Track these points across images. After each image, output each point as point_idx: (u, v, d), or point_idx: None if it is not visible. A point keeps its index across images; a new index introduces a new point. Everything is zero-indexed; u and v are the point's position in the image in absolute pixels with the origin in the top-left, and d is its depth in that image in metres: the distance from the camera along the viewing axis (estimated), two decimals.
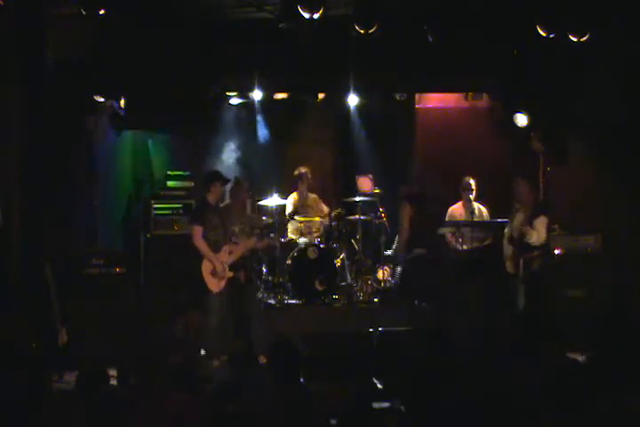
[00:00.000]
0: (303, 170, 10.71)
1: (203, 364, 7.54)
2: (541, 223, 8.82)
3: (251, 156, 11.19)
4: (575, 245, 9.54)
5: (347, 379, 6.36)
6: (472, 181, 10.11)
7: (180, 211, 9.97)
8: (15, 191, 8.60)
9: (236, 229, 9.19)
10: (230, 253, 8.80)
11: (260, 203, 10.35)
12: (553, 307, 8.99)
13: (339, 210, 10.59)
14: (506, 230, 9.06)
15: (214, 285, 8.66)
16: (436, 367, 5.54)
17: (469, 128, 11.09)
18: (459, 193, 10.19)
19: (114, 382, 5.90)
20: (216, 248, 8.72)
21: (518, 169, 9.71)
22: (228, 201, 9.45)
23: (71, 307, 8.69)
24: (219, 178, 8.91)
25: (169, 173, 10.23)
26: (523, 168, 9.97)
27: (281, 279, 10.24)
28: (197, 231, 8.67)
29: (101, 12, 8.20)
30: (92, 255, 9.25)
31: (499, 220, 9.99)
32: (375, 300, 10.30)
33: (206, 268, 8.64)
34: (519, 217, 8.90)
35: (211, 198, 8.83)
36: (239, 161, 11.10)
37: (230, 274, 8.76)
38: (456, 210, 10.24)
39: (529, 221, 8.79)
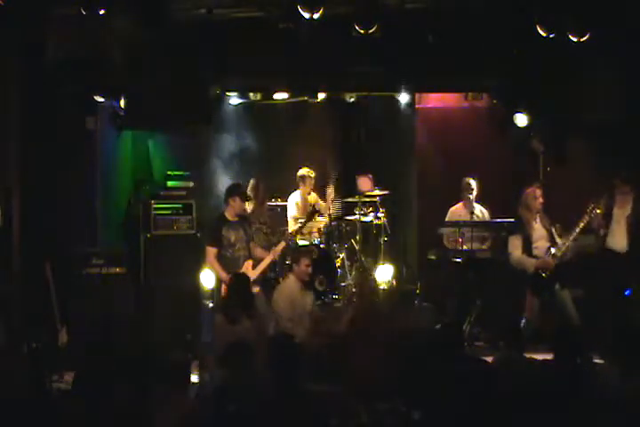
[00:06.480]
0: (308, 173, 10.61)
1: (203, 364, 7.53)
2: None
3: (250, 156, 11.18)
4: (575, 245, 9.53)
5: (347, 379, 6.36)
6: (473, 182, 10.10)
7: (180, 211, 9.96)
8: (15, 191, 8.60)
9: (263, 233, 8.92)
10: (254, 267, 8.47)
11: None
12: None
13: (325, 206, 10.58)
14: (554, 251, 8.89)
15: None
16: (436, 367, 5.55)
17: (469, 128, 11.09)
18: (460, 193, 10.18)
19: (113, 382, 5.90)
20: (235, 266, 8.37)
21: (527, 176, 9.75)
22: (251, 204, 9.27)
23: (71, 307, 8.69)
24: (238, 192, 8.63)
25: (169, 173, 10.21)
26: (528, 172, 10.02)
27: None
28: (210, 253, 8.40)
29: (101, 12, 8.21)
30: (91, 255, 9.25)
31: (499, 220, 10.02)
32: (375, 300, 10.29)
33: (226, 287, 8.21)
34: (539, 229, 8.94)
35: (229, 214, 8.56)
36: (239, 161, 11.10)
37: (256, 290, 8.33)
38: (457, 211, 10.23)
39: (549, 229, 8.90)
